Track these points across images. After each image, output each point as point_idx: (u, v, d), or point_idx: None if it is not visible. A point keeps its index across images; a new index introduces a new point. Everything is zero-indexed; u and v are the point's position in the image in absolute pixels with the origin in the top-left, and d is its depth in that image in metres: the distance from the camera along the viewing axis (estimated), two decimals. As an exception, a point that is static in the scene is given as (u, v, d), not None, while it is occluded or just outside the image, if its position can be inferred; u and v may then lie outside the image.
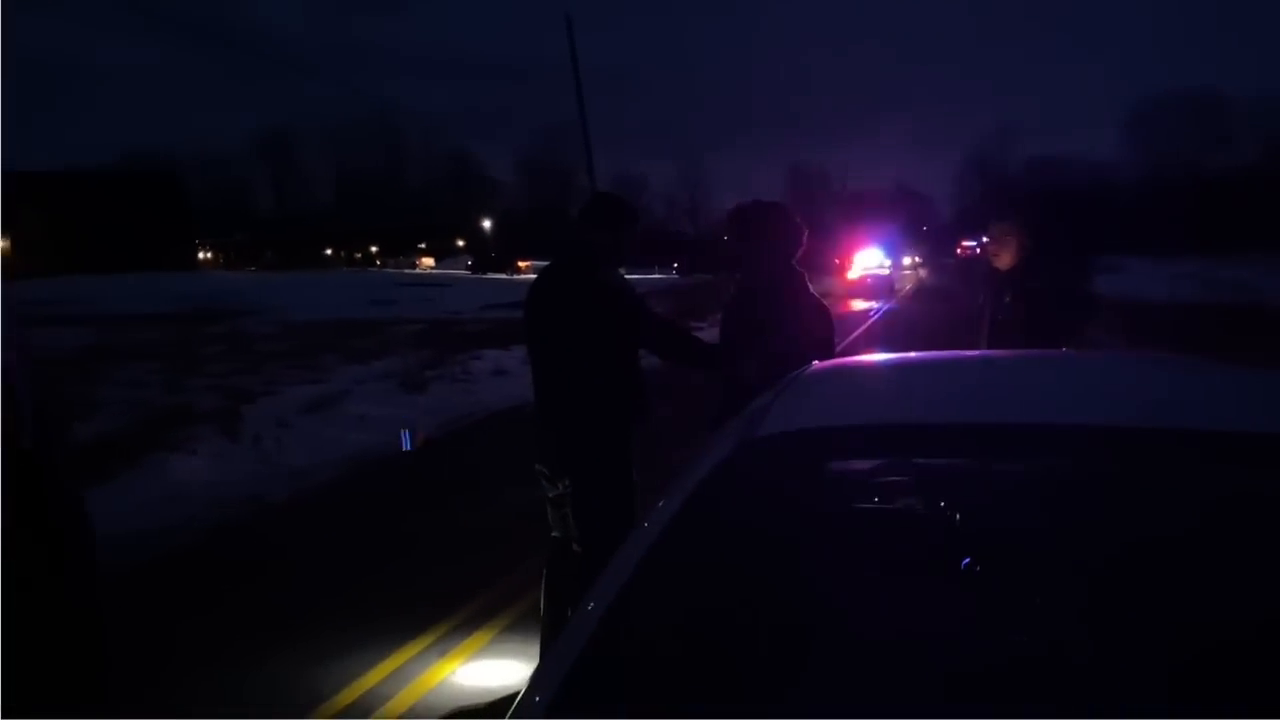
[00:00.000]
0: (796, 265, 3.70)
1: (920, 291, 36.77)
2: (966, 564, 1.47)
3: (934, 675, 1.25)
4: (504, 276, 57.80)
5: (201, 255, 70.70)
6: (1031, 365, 2.29)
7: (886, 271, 37.61)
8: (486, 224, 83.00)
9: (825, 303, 3.75)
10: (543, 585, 3.68)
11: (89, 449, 7.49)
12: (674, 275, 56.48)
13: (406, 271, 66.09)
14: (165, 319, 24.32)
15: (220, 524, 6.47)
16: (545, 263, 3.94)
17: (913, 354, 2.39)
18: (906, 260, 54.19)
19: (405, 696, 3.71)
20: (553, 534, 3.70)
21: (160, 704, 3.73)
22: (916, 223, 76.19)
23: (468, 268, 67.41)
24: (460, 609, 4.53)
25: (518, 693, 3.65)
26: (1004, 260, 4.54)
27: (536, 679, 1.38)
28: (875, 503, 1.50)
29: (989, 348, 4.46)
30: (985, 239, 4.81)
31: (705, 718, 1.18)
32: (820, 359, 2.70)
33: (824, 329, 3.62)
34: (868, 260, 38.03)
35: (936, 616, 1.36)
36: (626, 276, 3.90)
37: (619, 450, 3.58)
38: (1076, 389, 1.90)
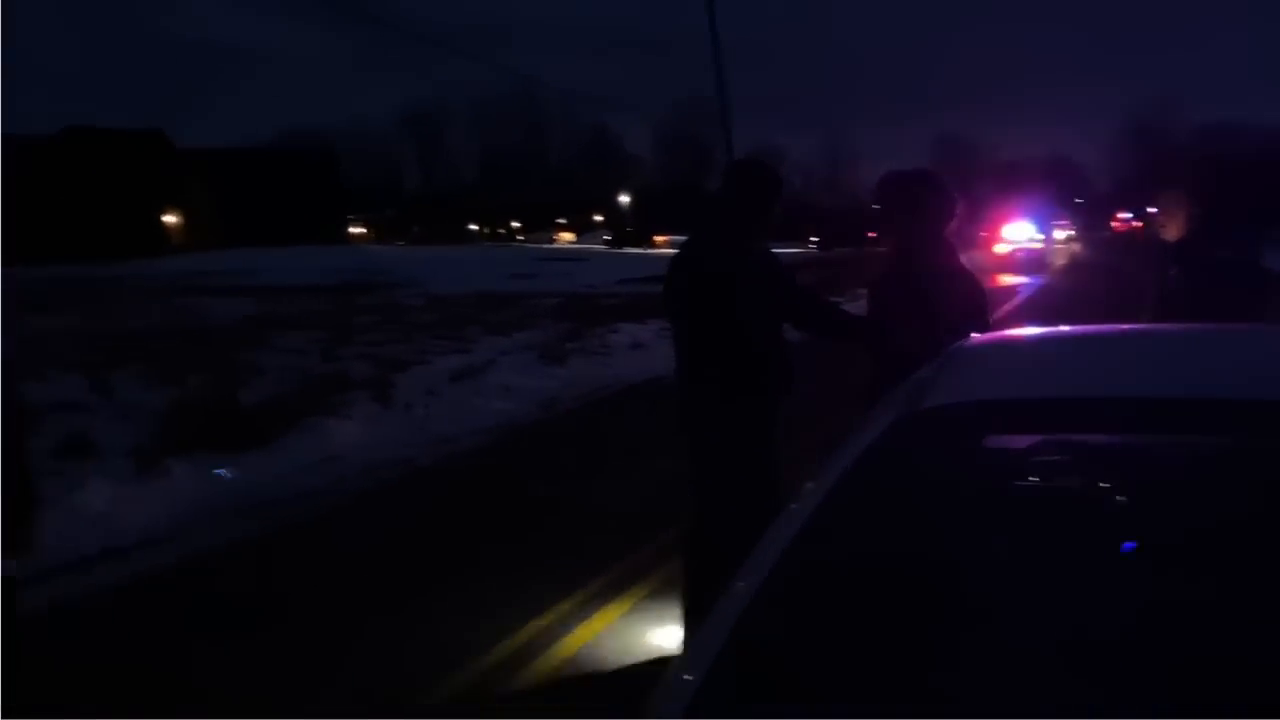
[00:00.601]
0: (948, 236, 3.59)
1: (1074, 266, 35.11)
2: (1131, 548, 1.40)
3: (1099, 670, 1.20)
4: (640, 251, 58.10)
5: (353, 230, 73.62)
6: (1202, 339, 2.16)
7: (1038, 245, 36.06)
8: (624, 199, 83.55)
9: (978, 283, 3.62)
10: (685, 557, 3.71)
11: (253, 413, 7.94)
12: (812, 249, 55.64)
13: (545, 246, 67.23)
14: (321, 290, 25.49)
15: (372, 487, 6.79)
16: (682, 237, 3.94)
17: (1077, 327, 2.28)
18: (1059, 234, 51.78)
19: (549, 658, 3.82)
20: (695, 506, 3.72)
21: (331, 642, 3.95)
22: (1070, 195, 72.68)
23: (605, 242, 68.03)
24: (602, 574, 4.62)
25: (659, 659, 3.71)
26: (1171, 231, 4.30)
27: (684, 660, 1.38)
28: (1040, 481, 1.44)
29: (1156, 322, 4.24)
30: (1152, 210, 4.57)
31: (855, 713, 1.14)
32: (976, 332, 2.62)
33: (978, 301, 3.50)
34: (1018, 233, 36.54)
35: (1103, 606, 1.30)
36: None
37: (762, 423, 3.56)
38: (1249, 363, 1.78)
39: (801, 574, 1.30)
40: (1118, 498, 1.51)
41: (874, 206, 3.75)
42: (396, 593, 4.59)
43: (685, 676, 1.27)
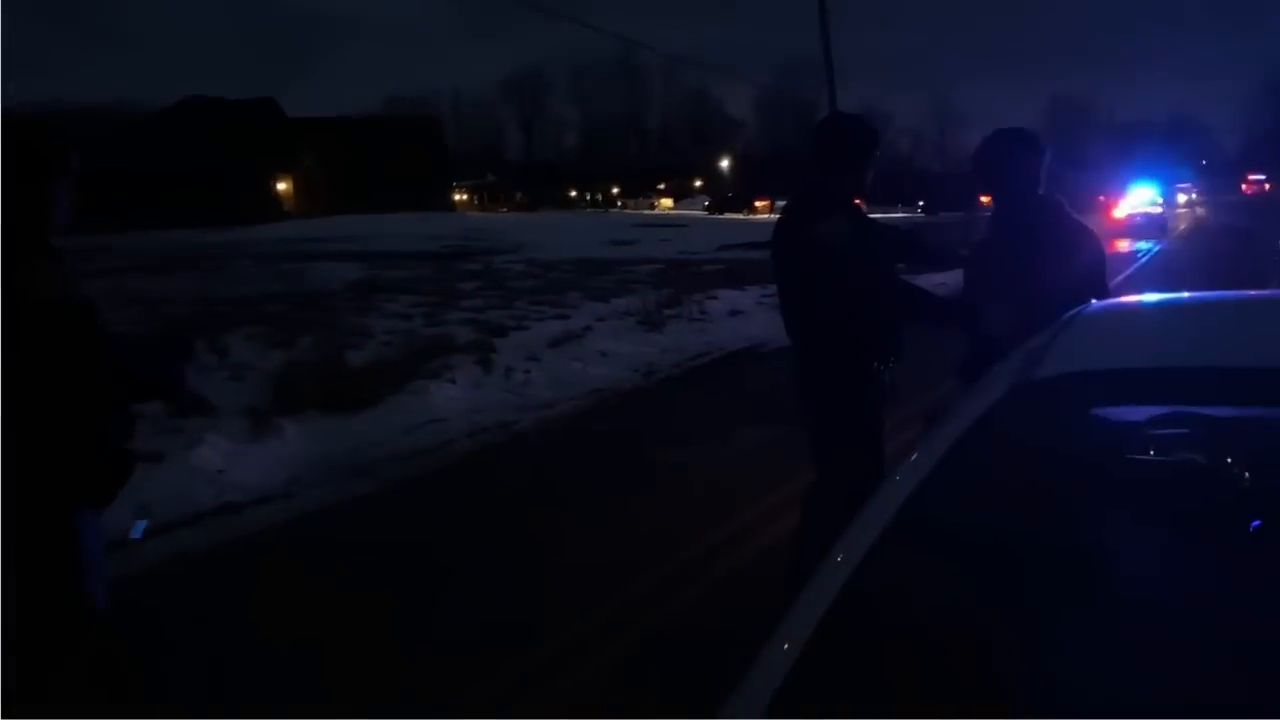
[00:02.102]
0: (1056, 196, 3.39)
1: (1198, 230, 33.46)
2: (1257, 526, 1.31)
3: (1217, 653, 1.12)
4: (740, 216, 57.59)
5: (456, 197, 74.82)
6: None
7: (1158, 209, 34.43)
8: (724, 164, 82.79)
9: (1097, 240, 3.41)
10: (800, 518, 3.65)
11: (361, 375, 8.16)
12: (919, 214, 54.28)
13: (645, 212, 67.19)
14: (425, 257, 26.00)
15: (476, 449, 6.91)
16: (783, 202, 3.82)
17: (1202, 293, 2.13)
18: (1181, 197, 49.35)
19: (643, 624, 3.83)
20: (814, 470, 3.64)
21: (443, 592, 4.05)
22: (1194, 156, 69.14)
23: (704, 208, 67.64)
24: (699, 540, 4.61)
25: (756, 628, 3.65)
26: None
27: (785, 628, 1.34)
28: (1160, 454, 1.35)
29: None
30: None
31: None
32: (1093, 296, 2.48)
33: (1092, 261, 3.27)
34: (1137, 197, 34.93)
35: (1223, 585, 1.21)
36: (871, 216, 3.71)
37: (868, 391, 3.47)
38: None
39: (907, 544, 1.24)
40: (1242, 474, 1.41)
41: (972, 172, 3.55)
42: (504, 551, 4.66)
43: (784, 646, 1.23)
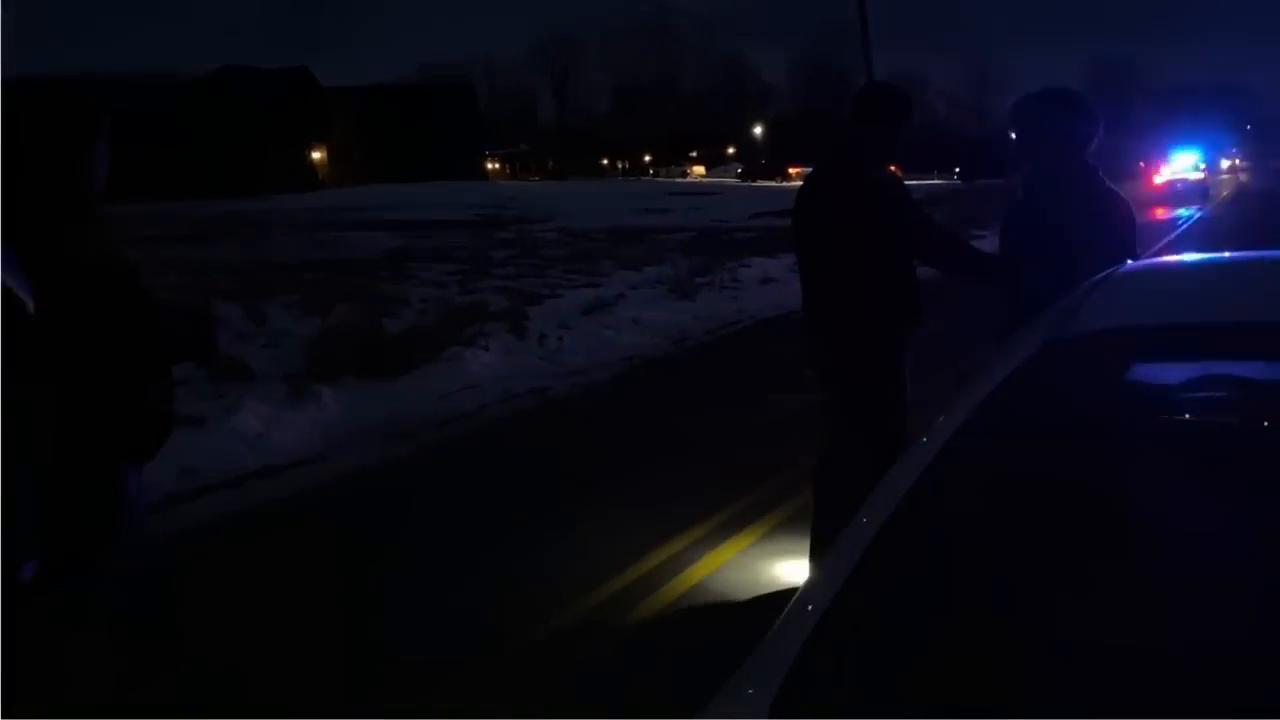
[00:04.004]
0: (1090, 160, 3.36)
1: (1241, 196, 32.80)
2: None
3: (1257, 608, 1.12)
4: (773, 184, 57.17)
5: (489, 165, 74.77)
6: None
7: (1200, 176, 33.76)
8: (757, 131, 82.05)
9: (1129, 206, 3.38)
10: (813, 489, 3.70)
11: (396, 342, 8.26)
12: (955, 180, 53.57)
13: (678, 180, 66.89)
14: (459, 225, 26.10)
15: (510, 415, 6.99)
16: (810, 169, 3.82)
17: (1242, 253, 2.10)
18: (1224, 163, 48.33)
19: (678, 583, 3.89)
20: (823, 439, 3.69)
21: (475, 555, 4.13)
22: (1239, 121, 67.56)
23: (737, 175, 67.21)
24: (729, 505, 4.66)
25: (785, 590, 3.71)
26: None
27: (809, 588, 1.35)
28: (1194, 412, 1.36)
29: None
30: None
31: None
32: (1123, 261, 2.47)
33: (1124, 232, 3.26)
34: (1178, 164, 34.26)
35: (1259, 540, 1.22)
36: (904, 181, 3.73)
37: (890, 357, 3.49)
38: None
39: (938, 503, 1.26)
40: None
41: (1010, 134, 3.54)
42: (539, 513, 4.74)
43: (808, 607, 1.25)
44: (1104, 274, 1.85)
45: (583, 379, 8.14)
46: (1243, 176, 45.42)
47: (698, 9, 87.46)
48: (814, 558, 3.69)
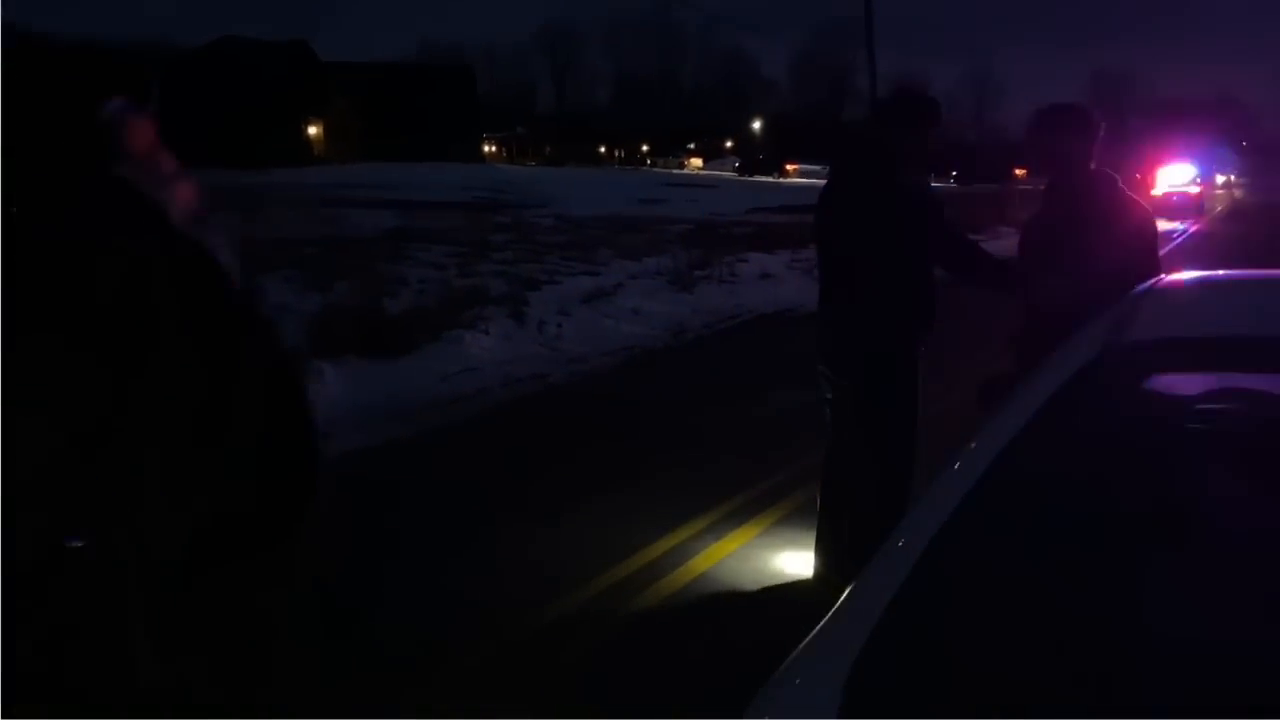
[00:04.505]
0: (1107, 171, 3.41)
1: (1236, 212, 32.99)
2: None
3: None
4: (770, 179, 57.12)
5: (486, 148, 74.46)
6: None
7: (1196, 190, 33.92)
8: (756, 126, 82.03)
9: (1150, 216, 3.43)
10: (820, 484, 3.75)
11: (397, 322, 8.27)
12: (951, 183, 53.66)
13: (675, 171, 66.75)
14: (456, 207, 26.00)
15: (511, 399, 7.02)
16: (814, 166, 3.85)
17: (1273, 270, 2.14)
18: (1219, 178, 48.56)
19: (677, 577, 3.93)
20: (831, 435, 3.73)
21: (478, 540, 4.17)
22: (1236, 136, 67.89)
23: (735, 169, 67.12)
24: (732, 498, 4.70)
25: (788, 584, 3.74)
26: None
27: (858, 591, 1.34)
28: (1250, 421, 1.39)
29: None
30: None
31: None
32: (1144, 274, 2.52)
33: (1144, 236, 3.30)
34: (1174, 177, 34.40)
35: None
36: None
37: (904, 356, 3.54)
38: None
39: (1001, 496, 1.29)
40: None
41: (1030, 143, 3.58)
42: (539, 500, 4.77)
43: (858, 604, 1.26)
44: (1150, 284, 1.89)
45: (583, 367, 8.17)
46: (1237, 192, 45.66)
47: (701, 2, 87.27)
48: (819, 552, 3.74)
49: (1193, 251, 18.81)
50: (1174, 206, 30.25)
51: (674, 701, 2.94)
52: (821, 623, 1.28)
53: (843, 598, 1.31)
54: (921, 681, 1.09)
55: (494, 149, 78.23)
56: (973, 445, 1.42)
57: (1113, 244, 3.13)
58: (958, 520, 1.25)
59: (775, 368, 7.75)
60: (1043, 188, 3.62)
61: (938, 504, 1.30)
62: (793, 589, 3.76)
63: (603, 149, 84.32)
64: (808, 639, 1.27)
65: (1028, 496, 1.32)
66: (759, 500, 4.68)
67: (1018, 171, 47.36)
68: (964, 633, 1.16)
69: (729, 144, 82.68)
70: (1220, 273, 1.92)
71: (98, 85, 1.95)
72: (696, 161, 79.39)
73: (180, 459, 1.24)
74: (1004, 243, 8.65)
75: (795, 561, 3.94)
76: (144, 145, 1.40)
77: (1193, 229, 24.49)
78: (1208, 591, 1.17)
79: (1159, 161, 36.04)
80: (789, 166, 65.18)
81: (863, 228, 3.46)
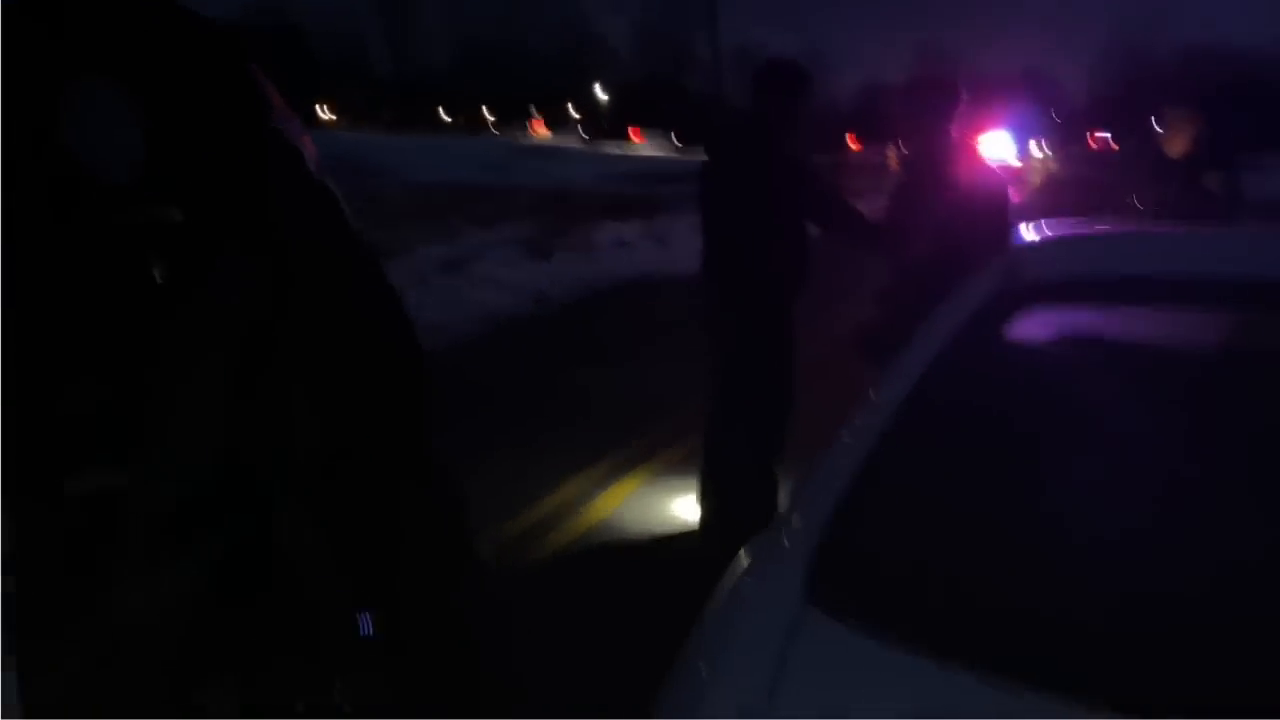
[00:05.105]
0: (962, 137, 3.71)
1: (1051, 184, 35.27)
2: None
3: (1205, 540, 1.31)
4: (617, 148, 57.29)
5: (320, 112, 71.62)
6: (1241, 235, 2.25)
7: (1015, 163, 36.10)
8: (601, 94, 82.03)
9: (1002, 180, 3.75)
10: (704, 437, 3.92)
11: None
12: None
13: (520, 137, 66.06)
14: (295, 175, 24.94)
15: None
16: (659, 134, 4.00)
17: (1156, 225, 2.39)
18: (1035, 150, 51.76)
19: (569, 529, 4.05)
20: (713, 391, 3.91)
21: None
22: (1049, 110, 72.40)
23: (581, 137, 67.00)
24: (613, 454, 4.85)
25: (676, 532, 3.91)
26: (1178, 147, 4.45)
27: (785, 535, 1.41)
28: (1141, 354, 1.58)
29: None
30: (1158, 125, 4.71)
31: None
32: (998, 233, 2.77)
33: (999, 198, 3.61)
34: (993, 149, 36.44)
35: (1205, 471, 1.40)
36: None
37: (783, 315, 3.74)
38: None
39: (917, 427, 1.46)
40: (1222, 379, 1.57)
41: (899, 112, 3.85)
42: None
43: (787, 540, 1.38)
44: (1031, 232, 2.10)
45: (445, 336, 8.10)
46: (1051, 165, 48.77)
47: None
48: (702, 503, 3.93)
49: (1016, 219, 20.05)
50: (995, 177, 32.00)
51: (568, 653, 3.05)
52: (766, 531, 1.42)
53: (792, 503, 1.44)
54: (879, 576, 1.25)
55: (329, 114, 75.37)
56: (883, 388, 1.58)
57: (971, 205, 3.41)
58: (891, 433, 1.41)
59: (642, 333, 7.93)
60: (893, 155, 3.89)
61: (871, 419, 1.46)
62: (678, 538, 3.94)
63: (445, 114, 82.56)
64: (760, 539, 1.41)
65: (947, 416, 1.49)
66: (638, 457, 4.84)
67: (852, 143, 49.17)
68: (904, 528, 1.32)
69: (574, 111, 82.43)
70: (1088, 228, 2.15)
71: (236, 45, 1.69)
72: (541, 128, 78.76)
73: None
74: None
75: (680, 512, 4.12)
76: (279, 99, 1.23)
77: (1014, 200, 26.06)
78: (1109, 502, 1.36)
79: (979, 133, 38.07)
80: (635, 134, 65.50)
81: (743, 198, 3.64)
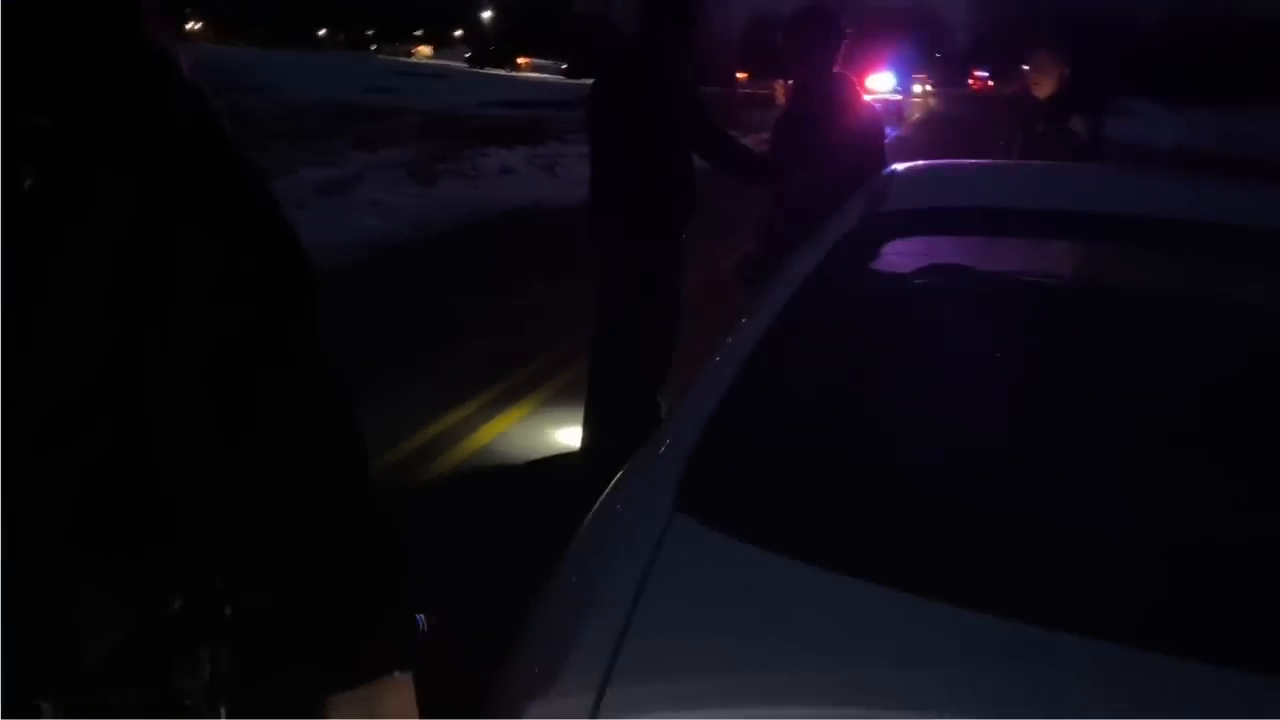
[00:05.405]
0: (843, 72, 3.78)
1: (931, 120, 36.17)
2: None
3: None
4: (503, 72, 56.05)
5: (187, 26, 67.79)
6: (1112, 175, 2.40)
7: (898, 97, 36.81)
8: (486, 15, 79.78)
9: (879, 116, 3.85)
10: (590, 361, 3.98)
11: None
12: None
13: (402, 59, 63.90)
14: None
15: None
16: (546, 61, 3.98)
17: (1002, 161, 2.53)
18: (917, 88, 52.83)
19: (458, 451, 4.08)
20: (600, 315, 3.96)
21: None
22: (931, 49, 73.84)
23: (465, 60, 65.23)
24: (500, 381, 4.87)
25: (562, 454, 4.00)
26: (1044, 89, 4.63)
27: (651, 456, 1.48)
28: (989, 275, 1.70)
29: None
30: (1026, 67, 4.89)
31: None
32: (873, 166, 2.87)
33: (876, 133, 3.71)
34: (880, 84, 37.09)
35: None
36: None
37: (670, 240, 3.80)
38: (1167, 192, 2.01)
39: (786, 341, 1.54)
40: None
41: (778, 47, 3.89)
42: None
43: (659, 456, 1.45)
44: (898, 167, 2.20)
45: (324, 261, 7.88)
46: (931, 101, 49.93)
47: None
48: (586, 427, 4.00)
49: (896, 154, 20.57)
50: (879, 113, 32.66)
51: (455, 571, 3.11)
52: (645, 446, 1.49)
53: (665, 421, 1.52)
54: (744, 482, 1.33)
55: (197, 26, 71.33)
56: (758, 305, 1.66)
57: (850, 139, 3.51)
58: (757, 355, 1.49)
59: (525, 261, 7.89)
60: (780, 89, 3.95)
61: (740, 342, 1.54)
62: (561, 461, 4.02)
63: (323, 31, 79.12)
64: (637, 455, 1.47)
65: (810, 339, 1.58)
66: (524, 383, 4.88)
67: (739, 75, 49.18)
68: (773, 438, 1.41)
69: (459, 33, 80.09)
70: (949, 161, 2.28)
71: None
72: (425, 50, 76.33)
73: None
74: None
75: (564, 438, 4.19)
76: (156, 5, 1.12)
77: (894, 134, 26.67)
78: (956, 418, 1.47)
79: (866, 70, 38.61)
80: (521, 60, 64.13)
81: (631, 125, 3.64)
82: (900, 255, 1.73)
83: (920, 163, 2.14)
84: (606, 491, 1.44)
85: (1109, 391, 1.51)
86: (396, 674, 0.94)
